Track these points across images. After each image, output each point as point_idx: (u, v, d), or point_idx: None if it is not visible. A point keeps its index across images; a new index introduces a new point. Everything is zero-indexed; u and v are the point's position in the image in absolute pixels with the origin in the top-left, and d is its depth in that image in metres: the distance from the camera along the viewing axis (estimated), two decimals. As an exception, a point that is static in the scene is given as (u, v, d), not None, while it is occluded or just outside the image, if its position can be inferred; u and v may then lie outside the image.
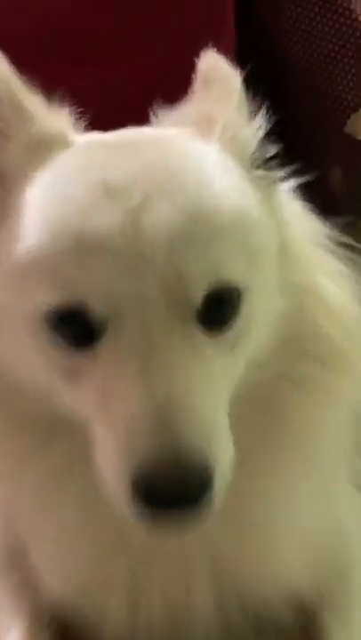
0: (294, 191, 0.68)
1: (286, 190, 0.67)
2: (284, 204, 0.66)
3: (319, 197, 0.70)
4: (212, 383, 0.55)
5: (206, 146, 0.60)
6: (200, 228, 0.54)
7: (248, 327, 0.59)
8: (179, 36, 1.06)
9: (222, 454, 0.54)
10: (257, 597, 0.74)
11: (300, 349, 0.64)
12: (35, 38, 0.84)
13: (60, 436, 0.63)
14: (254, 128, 0.62)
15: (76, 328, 0.55)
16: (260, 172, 0.62)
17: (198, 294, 0.55)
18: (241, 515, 0.67)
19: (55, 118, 0.61)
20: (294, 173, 0.67)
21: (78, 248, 0.53)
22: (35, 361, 0.58)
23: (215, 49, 0.63)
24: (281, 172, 0.65)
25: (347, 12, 1.16)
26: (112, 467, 0.54)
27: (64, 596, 0.74)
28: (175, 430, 0.51)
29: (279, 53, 1.18)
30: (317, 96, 1.15)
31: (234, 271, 0.56)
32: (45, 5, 1.02)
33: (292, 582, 0.75)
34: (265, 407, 0.65)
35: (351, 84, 1.13)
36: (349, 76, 1.13)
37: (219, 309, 0.56)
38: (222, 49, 0.63)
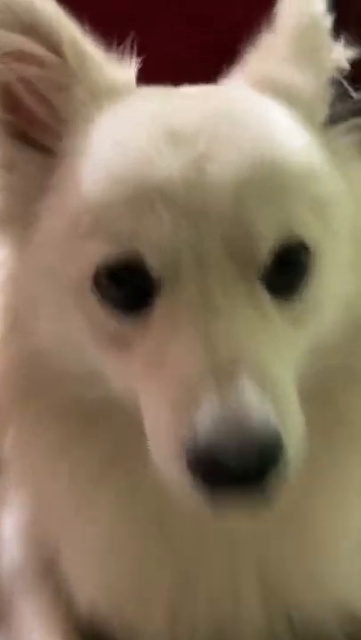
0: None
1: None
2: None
3: None
4: (280, 350, 0.50)
5: (274, 102, 0.56)
6: (268, 176, 0.50)
7: (318, 299, 0.53)
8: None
9: (293, 425, 0.48)
10: (306, 611, 0.67)
11: None
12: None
13: (100, 425, 0.58)
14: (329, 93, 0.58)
15: (128, 288, 0.50)
16: (334, 129, 0.57)
17: (265, 251, 0.50)
18: (295, 519, 0.62)
19: (122, 69, 0.59)
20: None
21: (138, 196, 0.49)
22: (80, 332, 0.53)
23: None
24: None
25: None
26: (165, 438, 0.48)
27: (98, 609, 0.67)
28: (240, 390, 0.45)
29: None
30: None
31: (306, 227, 0.51)
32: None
33: (345, 596, 0.68)
34: (326, 400, 0.59)
35: None
36: None
37: (287, 269, 0.51)
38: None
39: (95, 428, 0.58)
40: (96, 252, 0.50)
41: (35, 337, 0.58)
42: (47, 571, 0.73)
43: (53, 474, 0.61)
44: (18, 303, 0.59)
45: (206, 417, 0.45)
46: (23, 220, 0.56)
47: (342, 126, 0.58)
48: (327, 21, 0.58)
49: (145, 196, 0.49)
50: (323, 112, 0.57)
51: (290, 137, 0.53)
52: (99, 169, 0.52)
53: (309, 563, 0.65)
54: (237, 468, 0.45)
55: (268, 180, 0.50)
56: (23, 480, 0.66)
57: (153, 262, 0.49)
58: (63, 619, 0.71)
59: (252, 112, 0.55)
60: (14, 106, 0.56)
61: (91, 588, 0.67)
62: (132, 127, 0.54)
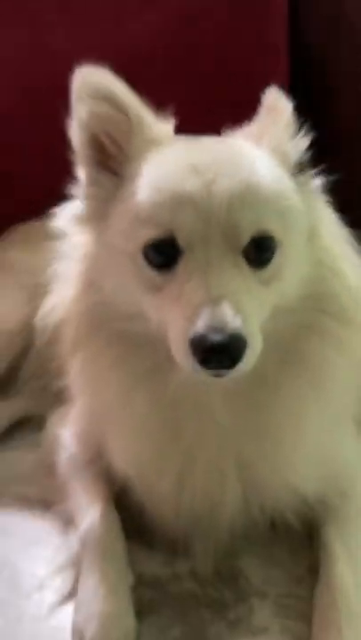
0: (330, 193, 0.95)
1: (323, 196, 0.94)
2: (319, 204, 0.93)
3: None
4: (251, 299, 0.81)
5: (258, 150, 0.89)
6: (249, 195, 0.82)
7: (280, 271, 0.85)
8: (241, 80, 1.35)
9: (254, 338, 0.79)
10: (274, 498, 0.97)
11: (318, 307, 0.90)
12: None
13: (142, 350, 0.89)
14: (296, 143, 0.91)
15: (163, 255, 0.83)
16: (301, 176, 0.90)
17: (245, 237, 0.82)
18: (265, 425, 0.92)
19: (165, 126, 0.91)
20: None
21: (172, 202, 0.82)
22: (132, 283, 0.86)
23: (272, 84, 0.92)
24: (317, 180, 0.93)
25: None
26: (178, 337, 0.80)
27: (129, 475, 0.98)
28: (222, 309, 0.77)
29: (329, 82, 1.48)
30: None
31: (272, 227, 0.83)
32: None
33: (301, 490, 0.97)
34: (289, 347, 0.91)
35: None
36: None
37: (259, 250, 0.83)
38: (277, 84, 0.92)
39: (138, 351, 0.89)
40: (146, 234, 0.83)
41: (101, 292, 0.89)
42: (93, 459, 1.04)
43: (108, 382, 0.92)
44: (91, 271, 0.90)
45: (202, 322, 0.77)
46: (101, 218, 0.88)
47: (307, 175, 0.90)
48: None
49: (176, 202, 0.81)
50: (293, 164, 0.89)
51: (266, 172, 0.85)
52: (150, 185, 0.84)
53: (276, 460, 0.93)
54: (219, 349, 0.76)
55: (249, 197, 0.82)
56: (84, 390, 0.97)
57: (181, 239, 0.81)
58: (104, 491, 1.02)
59: (244, 155, 0.87)
60: (98, 146, 0.88)
61: (125, 461, 0.97)
62: (169, 161, 0.86)
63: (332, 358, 0.92)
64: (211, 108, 1.25)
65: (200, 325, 0.77)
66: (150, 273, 0.84)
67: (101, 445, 1.01)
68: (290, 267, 0.86)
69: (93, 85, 0.86)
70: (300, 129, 0.91)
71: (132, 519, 1.00)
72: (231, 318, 0.77)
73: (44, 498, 1.07)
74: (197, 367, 0.79)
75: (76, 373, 0.96)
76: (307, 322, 0.90)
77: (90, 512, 1.00)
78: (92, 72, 0.86)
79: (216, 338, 0.76)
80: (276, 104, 0.91)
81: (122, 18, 1.37)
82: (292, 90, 0.95)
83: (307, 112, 0.91)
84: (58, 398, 1.12)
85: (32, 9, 1.37)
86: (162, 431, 0.92)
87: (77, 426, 1.08)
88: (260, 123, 0.92)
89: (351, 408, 1.01)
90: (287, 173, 0.88)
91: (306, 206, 0.89)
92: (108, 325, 0.90)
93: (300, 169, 0.90)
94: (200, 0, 1.41)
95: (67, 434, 1.10)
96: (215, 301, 0.78)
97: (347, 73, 1.46)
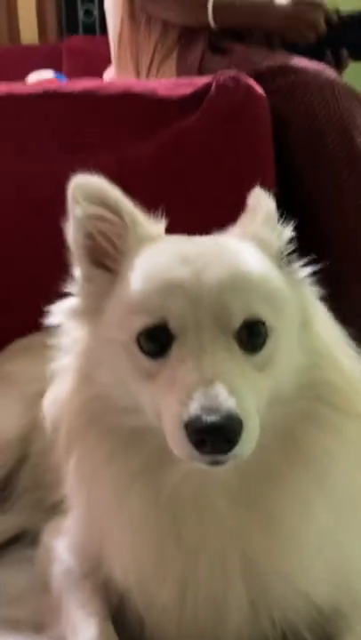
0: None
1: (313, 289, 0.96)
2: (308, 293, 0.95)
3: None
4: (246, 382, 0.81)
5: (245, 243, 0.92)
6: (238, 281, 0.85)
7: (274, 357, 0.86)
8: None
9: (250, 420, 0.78)
10: (283, 606, 0.91)
11: (315, 395, 0.90)
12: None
13: (136, 446, 0.88)
14: (278, 234, 0.94)
15: (156, 342, 0.84)
16: (287, 266, 0.93)
17: (237, 321, 0.83)
18: (270, 524, 0.88)
19: (157, 225, 0.94)
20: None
21: (163, 289, 0.84)
22: (127, 373, 0.86)
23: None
24: (304, 271, 0.95)
25: None
26: (172, 422, 0.78)
27: (129, 585, 0.92)
28: (215, 391, 0.77)
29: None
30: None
31: (262, 311, 0.85)
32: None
33: (312, 596, 0.91)
34: (290, 438, 0.89)
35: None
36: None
37: (252, 334, 0.84)
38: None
39: (133, 446, 0.87)
40: (139, 322, 0.84)
41: (97, 386, 0.89)
42: (90, 573, 0.98)
43: (102, 480, 0.89)
44: (87, 365, 0.90)
45: (195, 404, 0.76)
46: (96, 312, 0.90)
47: (294, 265, 0.93)
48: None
49: (168, 289, 0.83)
50: (282, 256, 0.92)
51: (253, 260, 0.88)
52: (142, 275, 0.87)
53: (286, 562, 0.89)
54: (214, 430, 0.75)
55: (238, 282, 0.84)
56: (79, 490, 0.94)
57: (173, 324, 0.82)
58: (101, 608, 0.95)
59: (233, 248, 0.90)
60: (93, 244, 0.91)
61: (124, 568, 0.92)
62: (160, 253, 0.89)
63: (334, 449, 0.89)
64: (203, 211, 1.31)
65: (194, 407, 0.76)
66: (144, 361, 0.84)
67: (98, 557, 0.97)
68: (283, 353, 0.86)
69: (88, 189, 0.91)
70: (282, 222, 0.95)
71: (130, 637, 0.94)
72: (225, 398, 0.76)
73: (35, 620, 1.01)
74: (194, 453, 0.77)
75: (71, 472, 0.93)
76: (305, 411, 0.89)
77: (86, 631, 0.93)
78: (88, 178, 0.92)
79: (210, 418, 0.75)
80: (259, 201, 0.95)
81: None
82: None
83: (291, 214, 0.96)
84: (53, 512, 1.08)
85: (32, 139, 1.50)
86: (161, 532, 0.88)
87: (73, 537, 1.03)
88: (244, 220, 0.96)
89: (359, 501, 0.96)
90: (273, 262, 0.91)
91: (296, 295, 0.91)
92: (103, 420, 0.89)
93: (285, 259, 0.93)
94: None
95: (62, 546, 1.05)
96: (208, 382, 0.77)
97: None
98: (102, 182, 0.91)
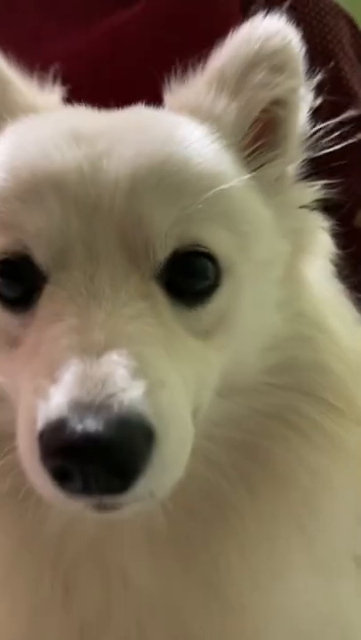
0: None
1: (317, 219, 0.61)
2: (308, 225, 0.60)
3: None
4: (173, 358, 0.46)
5: (188, 120, 0.56)
6: (166, 175, 0.49)
7: (228, 317, 0.52)
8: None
9: (174, 428, 0.44)
10: None
11: (297, 385, 0.57)
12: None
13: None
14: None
15: (19, 283, 0.49)
16: (267, 168, 0.57)
17: (163, 248, 0.48)
18: (219, 592, 0.57)
19: (46, 95, 0.60)
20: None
21: (29, 189, 0.49)
22: None
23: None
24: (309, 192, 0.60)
25: None
26: (23, 427, 0.44)
27: None
28: (103, 372, 0.42)
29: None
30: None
31: (210, 233, 0.50)
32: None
33: None
34: (255, 454, 0.56)
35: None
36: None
37: (188, 274, 0.49)
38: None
39: None
40: None
41: None
42: None
43: None
44: None
45: (60, 397, 0.41)
46: None
47: (273, 156, 0.57)
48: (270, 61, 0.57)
49: (36, 188, 0.48)
50: (246, 138, 0.56)
51: (195, 147, 0.53)
52: (2, 165, 0.51)
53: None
54: (89, 450, 0.40)
55: (166, 179, 0.49)
56: None
57: (39, 253, 0.48)
58: None
59: (159, 121, 0.55)
60: None
61: None
62: (37, 129, 0.54)
63: (324, 469, 0.57)
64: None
65: (56, 400, 0.41)
66: (1, 315, 0.49)
67: None
68: (248, 311, 0.53)
69: None
70: None
71: None
72: (122, 384, 0.42)
73: None
74: (55, 491, 0.43)
75: None
76: (280, 411, 0.56)
77: None
78: None
79: (84, 425, 0.40)
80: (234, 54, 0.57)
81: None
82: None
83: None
84: None
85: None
86: (37, 602, 0.56)
87: None
88: (196, 84, 0.59)
89: (351, 542, 0.63)
90: (235, 154, 0.56)
91: (282, 220, 0.56)
92: None
93: (268, 153, 0.57)
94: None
95: None
96: (94, 351, 0.43)
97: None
98: None
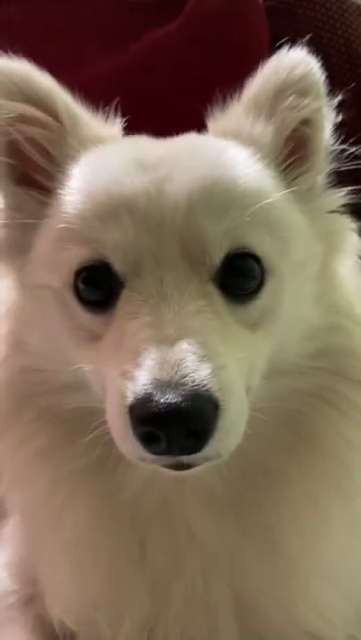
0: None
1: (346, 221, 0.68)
2: (338, 228, 0.67)
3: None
4: (229, 345, 0.55)
5: (232, 144, 0.64)
6: (217, 194, 0.58)
7: (273, 310, 0.60)
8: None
9: (233, 400, 0.53)
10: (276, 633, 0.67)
11: (334, 368, 0.64)
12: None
13: (80, 435, 0.62)
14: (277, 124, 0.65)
15: (99, 288, 0.58)
16: (300, 181, 0.65)
17: (217, 254, 0.57)
18: (267, 545, 0.64)
19: (109, 126, 0.68)
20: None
21: (106, 209, 0.58)
22: (61, 332, 0.60)
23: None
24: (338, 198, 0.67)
25: None
26: (113, 404, 0.53)
27: (68, 623, 0.69)
28: (178, 358, 0.51)
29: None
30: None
31: (255, 240, 0.58)
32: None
33: (317, 629, 0.68)
34: (298, 428, 0.64)
35: None
36: None
37: (239, 275, 0.58)
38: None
39: (76, 437, 0.62)
40: (73, 258, 0.58)
41: (28, 355, 0.65)
42: (30, 599, 0.75)
43: (32, 480, 0.65)
44: (17, 327, 0.66)
45: (144, 378, 0.51)
46: (22, 248, 0.64)
47: (304, 169, 0.65)
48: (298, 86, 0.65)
49: (112, 209, 0.57)
50: (281, 155, 0.64)
51: (240, 168, 0.61)
52: (78, 191, 0.60)
53: (284, 590, 0.66)
54: (171, 417, 0.49)
55: (216, 198, 0.58)
56: (11, 486, 0.69)
57: (117, 263, 0.57)
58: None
59: (208, 148, 0.63)
60: (18, 156, 0.64)
61: (64, 601, 0.68)
62: (107, 158, 0.62)
63: (358, 441, 0.65)
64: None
65: (142, 381, 0.51)
66: (84, 316, 0.59)
67: (37, 584, 0.73)
68: (289, 305, 0.61)
69: (7, 79, 0.63)
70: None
71: None
72: (193, 366, 0.51)
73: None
74: (143, 454, 0.52)
75: (4, 468, 0.69)
76: (319, 388, 0.64)
77: None
78: (8, 64, 0.63)
79: (165, 398, 0.50)
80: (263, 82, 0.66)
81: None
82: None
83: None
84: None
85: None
86: (117, 555, 0.65)
87: (10, 554, 0.78)
88: (233, 112, 0.67)
89: None
90: (274, 171, 0.64)
91: (315, 224, 0.64)
92: (37, 399, 0.65)
93: (301, 167, 0.65)
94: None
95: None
96: (168, 343, 0.52)
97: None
98: (28, 69, 0.64)
